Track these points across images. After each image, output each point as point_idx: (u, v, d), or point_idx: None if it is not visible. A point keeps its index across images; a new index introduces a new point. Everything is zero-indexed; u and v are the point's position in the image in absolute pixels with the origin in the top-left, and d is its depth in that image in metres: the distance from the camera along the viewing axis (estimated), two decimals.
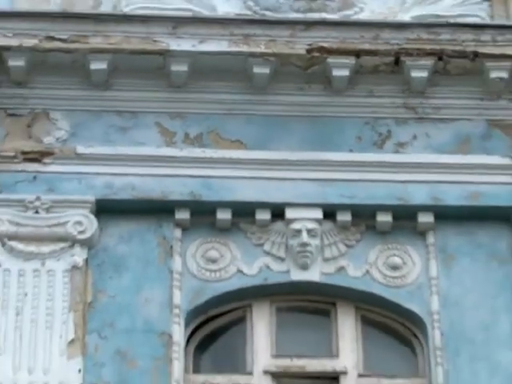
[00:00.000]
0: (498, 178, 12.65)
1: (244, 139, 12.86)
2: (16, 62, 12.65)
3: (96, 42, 12.67)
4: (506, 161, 12.69)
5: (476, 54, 12.71)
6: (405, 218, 12.62)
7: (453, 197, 12.58)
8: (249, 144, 12.84)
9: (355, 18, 13.54)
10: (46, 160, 12.52)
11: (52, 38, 12.63)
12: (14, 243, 12.11)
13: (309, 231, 12.31)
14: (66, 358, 11.61)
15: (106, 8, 13.44)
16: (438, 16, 13.50)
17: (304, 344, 12.41)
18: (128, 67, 12.82)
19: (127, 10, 13.43)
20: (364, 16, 13.56)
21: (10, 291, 11.95)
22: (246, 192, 12.55)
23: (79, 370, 11.57)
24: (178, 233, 12.46)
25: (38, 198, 12.28)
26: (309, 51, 12.73)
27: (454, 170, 12.69)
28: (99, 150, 12.66)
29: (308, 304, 12.68)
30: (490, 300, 12.26)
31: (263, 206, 12.54)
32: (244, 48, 12.75)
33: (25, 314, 11.81)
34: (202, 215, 12.52)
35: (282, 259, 12.43)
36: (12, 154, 12.56)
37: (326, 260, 12.44)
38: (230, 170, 12.63)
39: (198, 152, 12.74)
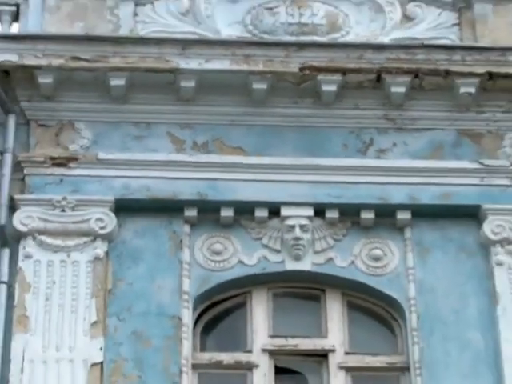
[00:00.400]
0: (466, 180, 12.73)
1: (244, 146, 12.92)
2: (45, 79, 12.71)
3: (115, 61, 12.75)
4: (473, 165, 12.76)
5: (448, 72, 12.80)
6: (385, 216, 12.66)
7: (427, 197, 12.67)
8: (249, 150, 12.90)
9: (342, 40, 13.58)
10: (72, 165, 12.60)
11: (77, 58, 12.71)
12: (43, 237, 12.17)
13: (301, 227, 12.40)
14: (89, 337, 11.69)
15: (123, 31, 13.45)
16: (414, 38, 13.53)
17: (297, 325, 12.47)
18: (143, 83, 12.87)
19: (142, 33, 13.50)
20: (350, 38, 13.61)
21: (40, 280, 12.00)
22: (246, 192, 12.61)
23: (100, 348, 11.64)
24: (186, 228, 12.52)
25: (64, 198, 12.34)
26: (301, 69, 12.83)
27: (428, 173, 12.75)
28: (118, 156, 12.73)
29: (301, 290, 12.72)
30: (459, 287, 12.31)
31: (261, 204, 12.60)
32: (244, 67, 12.84)
33: (53, 300, 11.86)
34: (207, 213, 12.57)
35: (277, 251, 12.48)
36: (42, 159, 12.61)
37: (316, 252, 12.50)
38: (232, 174, 12.67)
39: (204, 157, 12.80)
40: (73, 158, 12.70)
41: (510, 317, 12.00)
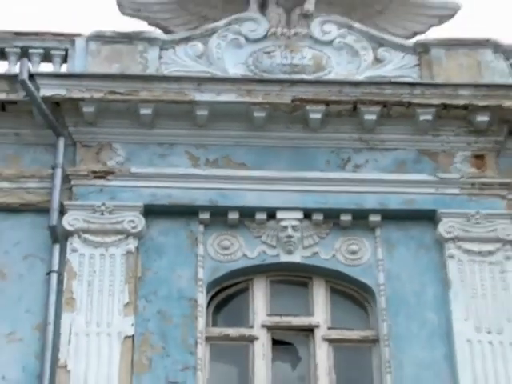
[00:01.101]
0: (425, 189, 12.82)
1: (247, 162, 13.00)
2: (88, 109, 12.80)
3: (143, 94, 12.86)
4: (430, 178, 12.86)
5: (410, 103, 12.87)
6: (360, 218, 12.70)
7: (393, 203, 12.75)
8: (250, 166, 12.96)
9: (325, 77, 13.62)
10: (109, 177, 12.70)
11: (113, 92, 12.83)
12: (86, 235, 12.27)
13: (293, 227, 12.49)
14: (123, 315, 11.80)
15: (150, 71, 13.51)
16: (383, 76, 13.57)
17: (290, 306, 12.55)
18: (166, 112, 12.93)
19: (166, 72, 13.57)
20: (331, 76, 13.64)
21: (83, 269, 12.11)
22: (249, 199, 12.69)
23: (132, 324, 11.76)
24: (201, 228, 12.57)
25: (103, 204, 12.44)
26: (293, 101, 12.91)
27: (394, 184, 12.85)
28: (146, 170, 12.81)
29: (292, 278, 12.77)
30: (419, 275, 12.40)
31: (261, 209, 12.65)
32: (247, 99, 12.92)
33: (94, 285, 11.97)
34: (217, 216, 12.62)
35: (273, 247, 12.55)
36: (85, 173, 12.71)
37: (304, 247, 12.56)
38: (237, 184, 12.75)
39: (215, 171, 12.86)
40: (110, 172, 12.79)
41: (460, 300, 12.06)
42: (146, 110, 12.90)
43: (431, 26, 14.62)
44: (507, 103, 12.96)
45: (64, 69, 13.74)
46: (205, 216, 12.64)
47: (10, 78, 13.01)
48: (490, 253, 12.38)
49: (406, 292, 12.33)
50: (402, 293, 12.33)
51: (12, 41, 13.83)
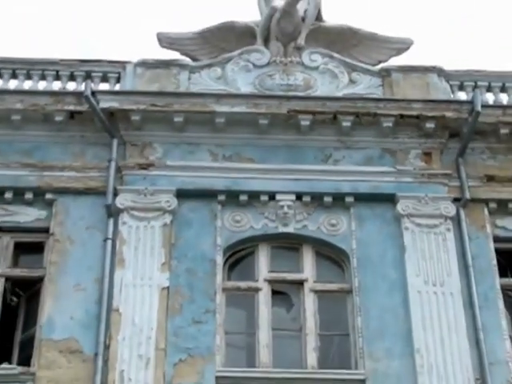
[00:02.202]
0: (387, 178, 12.66)
1: (253, 158, 12.83)
2: (135, 117, 12.65)
3: (176, 106, 12.74)
4: (391, 169, 12.71)
5: (376, 114, 12.74)
6: (338, 200, 12.50)
7: (363, 188, 12.57)
8: (256, 160, 12.79)
9: (313, 94, 13.40)
10: (150, 168, 12.57)
11: (154, 105, 12.74)
12: (133, 212, 12.13)
13: (288, 206, 12.33)
14: (160, 272, 11.74)
15: (182, 89, 13.35)
16: (356, 93, 13.41)
17: (285, 265, 12.37)
18: (193, 120, 12.77)
19: (193, 89, 13.41)
20: (317, 93, 13.42)
21: (131, 237, 11.99)
22: (255, 186, 12.52)
23: (167, 279, 11.65)
24: (219, 207, 12.38)
25: (146, 188, 12.29)
26: (288, 112, 12.75)
27: (363, 174, 12.67)
28: (179, 163, 12.65)
29: (287, 245, 12.53)
30: (382, 243, 12.25)
31: (264, 193, 12.47)
32: (254, 110, 12.78)
33: (139, 249, 11.88)
34: (231, 198, 12.45)
35: (273, 221, 12.34)
36: (132, 165, 12.59)
37: (296, 221, 12.36)
38: (246, 174, 12.59)
39: (229, 164, 12.70)
40: (151, 164, 12.63)
41: (412, 261, 11.95)
42: (178, 118, 12.74)
43: (392, 56, 14.43)
44: (448, 114, 12.82)
45: (117, 87, 13.59)
46: (222, 198, 12.45)
47: (77, 95, 12.92)
48: (435, 226, 12.22)
49: (372, 255, 12.17)
50: (369, 255, 12.17)
51: (79, 66, 13.68)
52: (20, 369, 11.12)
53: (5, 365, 11.20)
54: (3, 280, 11.91)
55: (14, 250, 12.18)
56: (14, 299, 12.16)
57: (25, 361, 11.30)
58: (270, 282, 12.10)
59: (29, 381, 10.97)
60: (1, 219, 12.26)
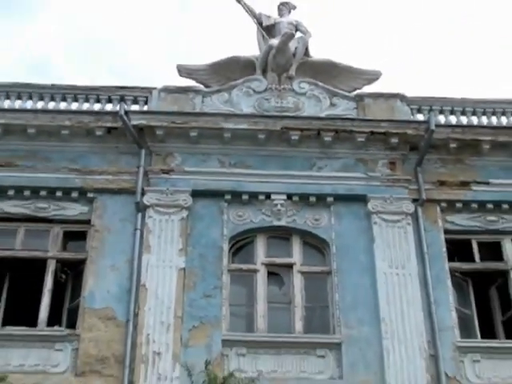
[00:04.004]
0: (360, 182, 12.63)
1: (253, 165, 12.75)
2: (159, 132, 12.66)
3: (192, 124, 12.75)
4: (363, 175, 12.71)
5: (351, 131, 12.74)
6: (321, 199, 12.47)
7: (341, 190, 12.54)
8: (256, 167, 12.73)
9: (301, 115, 13.30)
10: (171, 173, 12.56)
11: (174, 122, 12.71)
12: (157, 208, 12.11)
13: (280, 204, 12.33)
14: (178, 256, 11.77)
15: (196, 110, 13.29)
16: (336, 114, 13.31)
17: (278, 251, 12.33)
18: (206, 135, 12.75)
19: (206, 110, 13.34)
20: (305, 114, 13.35)
21: (155, 228, 12.00)
22: (254, 187, 12.49)
23: (184, 261, 11.71)
24: (225, 204, 12.33)
25: (167, 189, 12.29)
26: (281, 129, 12.74)
27: (341, 179, 12.62)
28: (194, 169, 12.61)
29: (280, 235, 12.48)
30: (356, 235, 12.23)
31: (261, 193, 12.46)
32: (254, 127, 12.76)
33: (162, 238, 11.89)
34: (235, 197, 12.43)
35: (269, 216, 12.32)
36: (157, 170, 12.56)
37: (287, 216, 12.34)
38: (248, 178, 12.56)
39: (234, 170, 12.65)
40: (171, 170, 12.61)
41: (379, 248, 11.99)
42: (193, 133, 12.75)
43: (364, 84, 14.36)
44: (408, 131, 12.84)
45: (145, 108, 13.53)
46: (228, 197, 12.44)
47: (113, 114, 12.91)
48: (398, 221, 12.25)
49: (348, 244, 12.17)
50: (345, 244, 12.16)
51: (115, 91, 13.64)
52: (68, 331, 11.25)
53: (56, 327, 11.39)
54: (54, 261, 11.99)
55: (63, 238, 12.24)
56: (63, 276, 12.24)
57: (71, 325, 11.41)
58: (266, 265, 12.11)
59: (74, 340, 11.06)
60: (52, 213, 12.28)
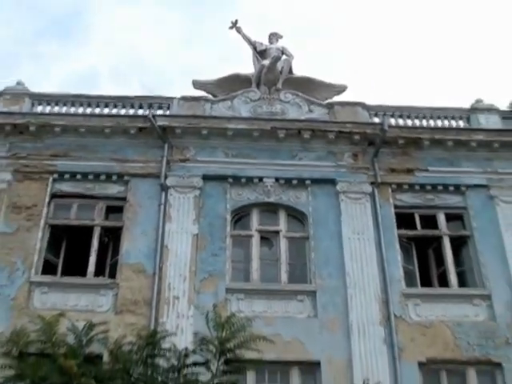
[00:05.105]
0: (330, 169, 12.39)
1: (250, 155, 12.43)
2: (178, 131, 12.46)
3: (203, 124, 12.52)
4: (333, 164, 12.43)
5: (325, 130, 12.52)
6: (301, 182, 12.23)
7: (316, 175, 12.30)
8: (252, 157, 12.42)
9: (286, 118, 13.07)
10: (187, 162, 12.31)
11: (189, 123, 12.52)
12: (177, 188, 11.92)
13: (270, 186, 12.13)
14: (192, 224, 11.56)
15: (206, 114, 13.04)
16: (312, 118, 13.08)
17: (268, 221, 12.08)
18: (214, 132, 12.48)
19: (213, 114, 13.09)
20: (289, 117, 13.10)
21: (175, 204, 11.78)
22: (250, 173, 12.23)
23: (197, 228, 11.54)
24: (228, 186, 12.07)
25: (184, 174, 12.10)
26: (271, 128, 12.53)
27: (316, 167, 12.39)
28: (204, 159, 12.35)
29: (270, 209, 12.19)
30: (327, 209, 11.96)
31: (255, 177, 12.19)
32: (251, 127, 12.54)
33: (180, 211, 11.69)
34: (236, 180, 12.15)
35: (261, 194, 12.07)
36: (176, 160, 12.32)
37: (275, 195, 12.11)
38: (245, 166, 12.29)
39: (235, 160, 12.37)
40: (187, 159, 12.37)
41: (345, 220, 11.78)
42: (204, 132, 12.53)
43: (334, 95, 14.09)
44: (368, 131, 12.66)
45: (168, 112, 13.23)
46: (230, 180, 12.21)
47: (144, 117, 12.70)
48: (359, 199, 12.01)
49: (321, 216, 11.95)
50: (320, 216, 11.95)
51: (145, 100, 13.40)
52: (109, 280, 11.15)
53: (101, 278, 11.28)
54: (99, 228, 11.81)
55: (105, 211, 12.05)
56: (106, 239, 12.04)
57: (112, 276, 11.28)
58: (259, 231, 11.90)
59: (114, 288, 10.97)
60: (98, 192, 12.08)
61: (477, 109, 13.66)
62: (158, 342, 9.06)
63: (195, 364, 8.80)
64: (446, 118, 13.53)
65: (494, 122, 13.37)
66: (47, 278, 11.07)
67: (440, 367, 10.37)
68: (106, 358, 9.34)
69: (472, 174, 12.50)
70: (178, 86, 35.22)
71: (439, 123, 13.49)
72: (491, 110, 13.68)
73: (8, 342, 9.71)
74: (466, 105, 13.83)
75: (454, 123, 13.50)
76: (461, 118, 13.59)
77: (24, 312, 10.25)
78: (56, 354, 8.98)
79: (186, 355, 8.89)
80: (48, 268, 11.36)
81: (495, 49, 35.64)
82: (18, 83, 13.52)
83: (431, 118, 13.52)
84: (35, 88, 13.43)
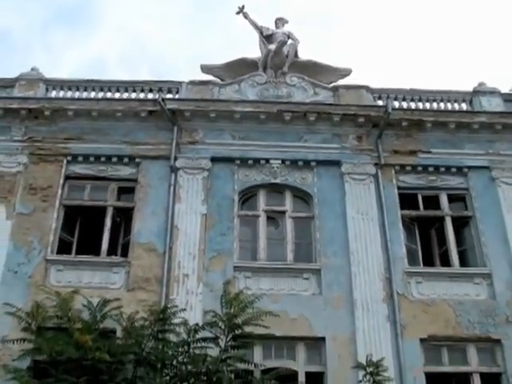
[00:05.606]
0: (336, 151, 12.21)
1: (257, 138, 12.22)
2: (186, 114, 12.27)
3: (211, 107, 12.34)
4: (338, 146, 12.29)
5: (330, 113, 12.34)
6: (307, 164, 12.06)
7: (321, 157, 12.11)
8: (259, 139, 12.20)
9: (292, 100, 12.83)
10: (196, 144, 12.13)
11: (198, 106, 12.35)
12: (185, 169, 11.76)
13: (276, 167, 11.97)
14: (201, 205, 11.44)
15: (214, 97, 12.85)
16: (318, 101, 12.84)
17: (274, 202, 11.92)
18: (222, 115, 12.29)
19: (221, 97, 12.90)
20: (295, 100, 12.85)
21: (184, 184, 11.65)
22: (257, 154, 12.05)
23: (205, 208, 11.41)
24: (235, 167, 11.88)
25: (193, 156, 11.96)
26: (277, 111, 12.33)
27: (322, 149, 12.18)
28: (212, 141, 12.17)
29: (276, 189, 11.99)
30: (333, 190, 11.79)
31: (263, 159, 12.02)
32: (258, 109, 12.34)
33: (188, 192, 11.55)
34: (243, 162, 11.99)
35: (268, 176, 11.92)
36: (185, 142, 12.12)
37: (282, 176, 11.96)
38: (252, 148, 12.10)
39: (242, 142, 12.20)
40: (196, 142, 12.20)
41: (350, 200, 11.63)
42: (212, 115, 12.35)
43: (339, 78, 13.83)
44: (372, 113, 12.43)
45: (177, 96, 13.03)
46: (238, 162, 12.05)
47: (154, 100, 12.49)
48: (363, 179, 11.85)
49: (326, 197, 11.81)
50: (325, 197, 11.81)
51: (155, 84, 13.16)
52: (122, 259, 11.09)
53: (114, 256, 11.21)
54: (112, 208, 11.73)
55: (117, 191, 11.95)
56: (118, 219, 11.97)
57: (124, 254, 11.23)
58: (266, 211, 11.77)
59: (126, 266, 10.91)
60: (110, 173, 11.95)
61: (479, 91, 13.40)
62: (168, 318, 9.12)
63: (204, 339, 8.85)
64: (448, 100, 13.36)
65: (497, 105, 13.15)
66: (62, 257, 11.03)
67: (441, 344, 10.29)
68: (119, 333, 9.46)
69: (474, 155, 12.30)
70: (186, 72, 34.98)
71: (442, 106, 13.25)
72: (494, 92, 13.43)
73: (27, 317, 9.77)
74: (469, 88, 13.68)
75: (456, 106, 13.31)
76: (463, 101, 13.39)
77: (41, 289, 10.17)
78: (72, 329, 9.09)
79: (196, 330, 8.93)
80: (63, 247, 11.32)
81: (498, 32, 35.09)
82: (33, 69, 13.40)
83: (434, 100, 13.28)
84: (47, 75, 13.27)
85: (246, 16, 14.48)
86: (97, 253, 11.13)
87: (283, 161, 12.07)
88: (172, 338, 8.98)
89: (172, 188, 11.58)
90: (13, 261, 10.72)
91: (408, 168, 12.21)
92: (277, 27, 14.50)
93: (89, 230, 11.70)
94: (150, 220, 11.31)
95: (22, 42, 33.99)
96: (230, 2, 15.04)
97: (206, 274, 10.73)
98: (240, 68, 13.63)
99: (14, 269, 10.64)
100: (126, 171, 12.03)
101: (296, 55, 13.94)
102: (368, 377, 8.74)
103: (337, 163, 12.07)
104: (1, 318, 9.78)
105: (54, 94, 13.03)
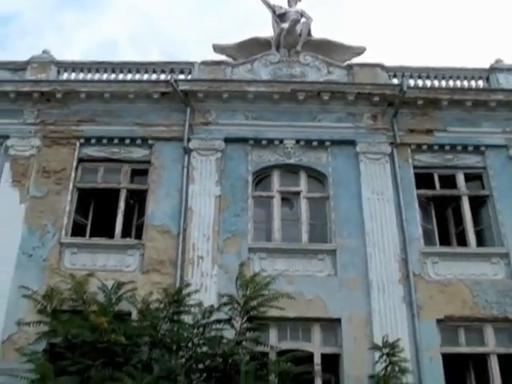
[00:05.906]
0: (350, 130, 11.80)
1: (270, 118, 11.85)
2: (199, 95, 11.92)
3: (224, 88, 11.96)
4: (352, 125, 11.86)
5: (343, 92, 11.91)
6: (321, 143, 11.67)
7: (336, 136, 11.66)
8: (272, 119, 11.83)
9: (306, 80, 12.44)
10: (209, 125, 11.79)
11: (210, 87, 11.97)
12: (199, 151, 11.47)
13: (291, 147, 11.63)
14: (215, 185, 11.15)
15: (227, 77, 12.49)
16: (331, 80, 12.44)
17: (289, 183, 11.59)
18: (234, 96, 11.93)
19: (234, 77, 12.50)
20: (309, 79, 12.46)
21: (197, 166, 11.35)
22: (271, 135, 11.69)
23: (219, 190, 11.11)
24: (249, 148, 11.56)
25: (206, 137, 11.62)
26: (291, 90, 11.92)
27: (336, 128, 11.82)
28: (226, 122, 11.81)
29: (290, 170, 11.68)
30: (348, 170, 11.42)
31: (276, 139, 11.68)
32: (271, 89, 11.95)
33: (202, 173, 11.24)
34: (257, 142, 11.66)
35: (282, 156, 11.56)
36: (198, 123, 11.80)
37: (296, 156, 11.60)
38: (265, 128, 11.75)
39: (256, 122, 11.82)
40: (209, 123, 11.86)
41: (365, 180, 11.26)
42: (225, 95, 11.96)
43: (353, 57, 13.36)
44: (387, 92, 11.93)
45: (189, 77, 12.67)
46: (251, 142, 11.71)
47: (166, 82, 12.12)
48: (379, 159, 11.47)
49: (341, 177, 11.45)
50: (339, 177, 11.45)
51: (167, 65, 12.82)
52: (136, 241, 10.87)
53: (128, 238, 11.00)
54: (125, 190, 11.47)
55: (130, 174, 11.70)
56: (131, 201, 11.75)
57: (138, 237, 11.02)
58: (280, 192, 11.45)
59: (141, 248, 10.69)
60: (123, 155, 11.67)
61: (496, 68, 12.93)
62: (183, 300, 8.95)
63: (219, 321, 8.64)
64: (465, 78, 12.89)
65: None
66: (77, 240, 10.82)
67: (458, 324, 10.00)
68: (134, 315, 9.29)
69: (491, 134, 11.86)
70: (196, 53, 34.47)
71: (458, 83, 12.79)
72: (511, 69, 12.97)
73: (43, 299, 9.59)
74: (486, 65, 13.21)
75: (473, 83, 12.85)
76: (480, 78, 12.92)
77: (56, 272, 10.09)
78: (87, 312, 8.96)
79: (211, 312, 8.73)
80: (77, 230, 11.13)
81: None
82: (44, 52, 13.10)
83: (450, 78, 12.82)
84: (59, 58, 13.00)
85: None
86: (111, 235, 10.89)
87: (297, 141, 11.71)
88: (187, 319, 8.86)
89: (185, 170, 11.26)
90: (27, 244, 10.53)
91: (424, 147, 11.78)
92: (289, 6, 14.02)
93: (102, 213, 11.47)
94: (163, 202, 11.04)
95: (33, 24, 33.68)
96: None
97: (220, 255, 10.48)
98: (253, 47, 13.22)
99: (28, 252, 10.49)
100: (139, 153, 11.72)
101: (309, 34, 13.49)
102: (384, 358, 8.66)
103: (352, 143, 11.68)
104: (16, 301, 9.77)
105: (65, 76, 12.75)
